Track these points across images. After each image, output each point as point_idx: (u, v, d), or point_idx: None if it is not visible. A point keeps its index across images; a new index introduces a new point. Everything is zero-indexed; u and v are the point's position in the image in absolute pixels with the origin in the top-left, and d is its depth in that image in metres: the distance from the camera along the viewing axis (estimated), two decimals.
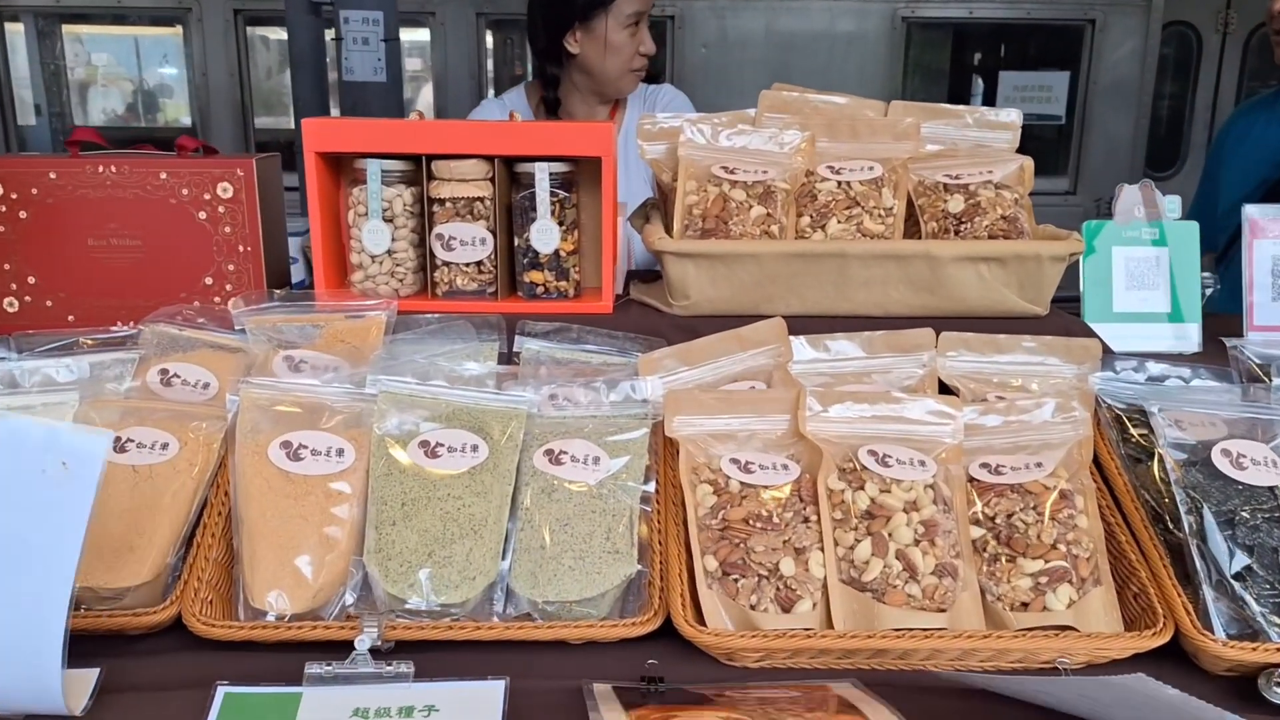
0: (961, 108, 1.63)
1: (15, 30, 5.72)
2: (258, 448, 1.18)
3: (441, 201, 1.40)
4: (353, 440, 1.19)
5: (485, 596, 1.13)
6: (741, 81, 5.09)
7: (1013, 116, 1.62)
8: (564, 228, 1.41)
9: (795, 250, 1.36)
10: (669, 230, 1.46)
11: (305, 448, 1.18)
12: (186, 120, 5.50)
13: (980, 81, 5.77)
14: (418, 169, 1.41)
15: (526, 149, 1.37)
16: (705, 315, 1.41)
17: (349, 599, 1.12)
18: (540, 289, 1.44)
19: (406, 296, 1.45)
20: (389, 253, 1.42)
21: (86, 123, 6.01)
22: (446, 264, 1.42)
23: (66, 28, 5.83)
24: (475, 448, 1.19)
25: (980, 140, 1.61)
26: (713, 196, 1.45)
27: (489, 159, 1.39)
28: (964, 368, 1.35)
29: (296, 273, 1.68)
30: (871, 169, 1.50)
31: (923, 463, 1.19)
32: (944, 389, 1.34)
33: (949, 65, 5.80)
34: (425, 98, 5.39)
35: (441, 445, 1.19)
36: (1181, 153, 5.75)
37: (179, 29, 5.31)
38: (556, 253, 1.42)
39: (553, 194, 1.39)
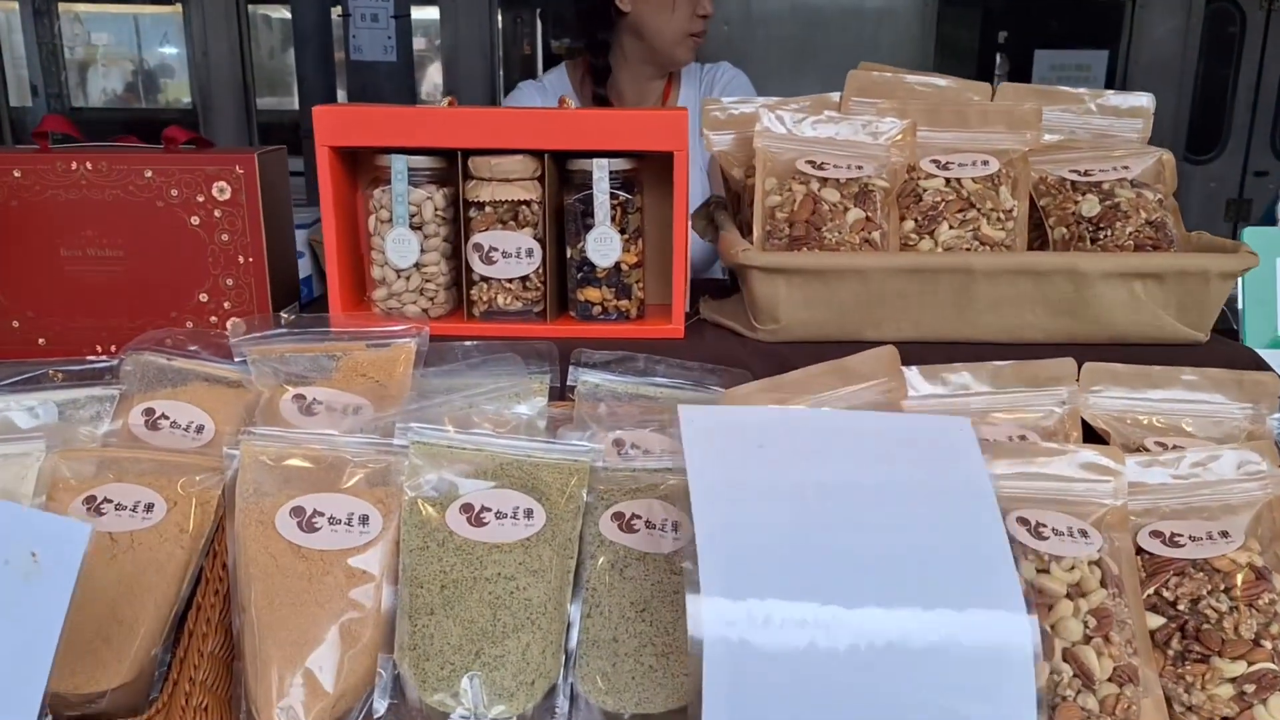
0: (1081, 90, 1.39)
1: (9, 8, 5.49)
2: (262, 515, 0.95)
3: (480, 205, 1.17)
4: (379, 504, 0.97)
5: (546, 704, 0.91)
6: (766, 61, 4.86)
7: (1143, 101, 1.38)
8: (626, 236, 1.18)
9: (910, 264, 1.13)
10: (745, 237, 1.23)
11: (321, 515, 0.95)
12: (188, 101, 5.27)
13: (1002, 59, 5.51)
14: (451, 167, 1.18)
15: (583, 142, 1.14)
16: (797, 341, 1.18)
17: (378, 708, 0.90)
18: (598, 309, 1.21)
19: (438, 318, 1.22)
20: (417, 266, 1.19)
21: (86, 104, 5.79)
22: (485, 280, 1.19)
23: (63, 5, 5.60)
24: (530, 513, 0.97)
25: (1104, 129, 1.38)
26: (800, 197, 1.22)
27: (537, 154, 1.16)
28: (1113, 406, 1.12)
29: (303, 267, 1.44)
30: (985, 163, 1.27)
31: (1084, 532, 0.97)
32: (1088, 433, 1.12)
33: (981, 43, 5.54)
34: (433, 80, 5.14)
35: (489, 510, 0.97)
36: (1223, 135, 5.49)
37: (179, 6, 5.06)
38: (617, 266, 1.19)
39: (613, 195, 1.16)
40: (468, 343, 1.14)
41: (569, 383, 1.14)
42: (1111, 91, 1.38)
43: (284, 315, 1.09)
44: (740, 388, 1.10)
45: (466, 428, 1.01)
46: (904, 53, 5.06)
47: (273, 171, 1.27)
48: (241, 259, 1.24)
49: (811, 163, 1.26)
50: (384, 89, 3.26)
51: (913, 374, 1.11)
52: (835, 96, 1.40)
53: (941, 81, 1.39)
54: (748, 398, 1.09)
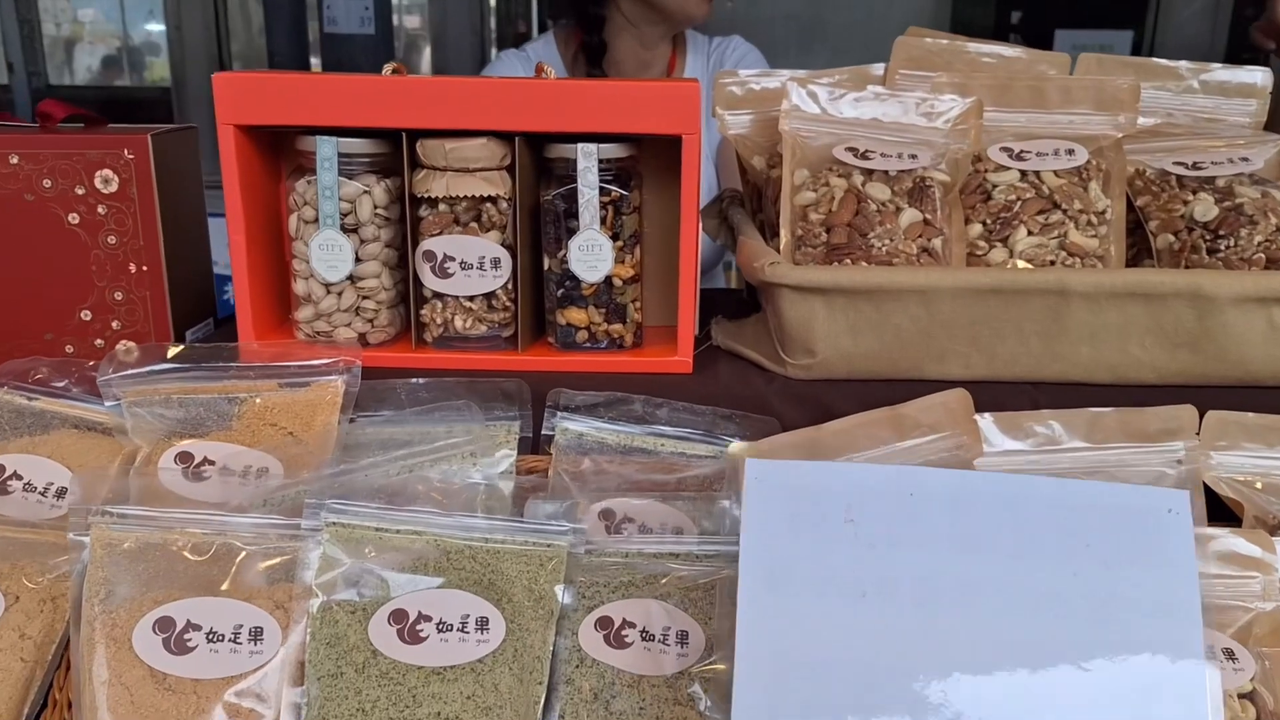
0: (1180, 63, 1.14)
1: None
2: (116, 629, 0.70)
3: (432, 202, 0.91)
4: (278, 610, 0.71)
5: None
6: (770, 36, 4.57)
7: (1258, 77, 1.13)
8: (620, 243, 0.92)
9: (990, 283, 0.87)
10: (770, 243, 0.98)
11: (197, 628, 0.70)
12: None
13: (1014, 39, 5.23)
14: (396, 153, 0.92)
15: (566, 121, 0.88)
16: (839, 379, 0.92)
17: None
18: (583, 335, 0.95)
19: (379, 345, 0.96)
20: (352, 280, 0.93)
21: (71, 81, 5.52)
22: (439, 297, 0.93)
23: None
24: (484, 623, 0.71)
25: (1209, 111, 1.12)
26: (840, 194, 0.96)
27: (506, 137, 0.90)
28: (1245, 467, 0.86)
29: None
30: (1070, 152, 1.01)
31: (1229, 653, 0.72)
32: (1212, 503, 0.86)
33: (995, 20, 5.27)
34: (424, 64, 4.85)
35: (428, 619, 0.71)
36: None
37: None
38: (608, 281, 0.93)
39: (603, 191, 0.90)
40: (414, 380, 0.88)
41: (545, 431, 0.89)
42: (1219, 65, 1.12)
43: (170, 350, 0.83)
44: (765, 442, 0.84)
45: (403, 502, 0.76)
46: (919, 19, 4.79)
47: (178, 156, 1.01)
48: (133, 266, 0.98)
49: (853, 150, 1.00)
50: (361, 66, 2.98)
51: (987, 424, 0.86)
52: (878, 68, 1.15)
53: (1009, 51, 1.13)
54: (774, 453, 0.84)
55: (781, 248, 0.96)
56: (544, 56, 1.69)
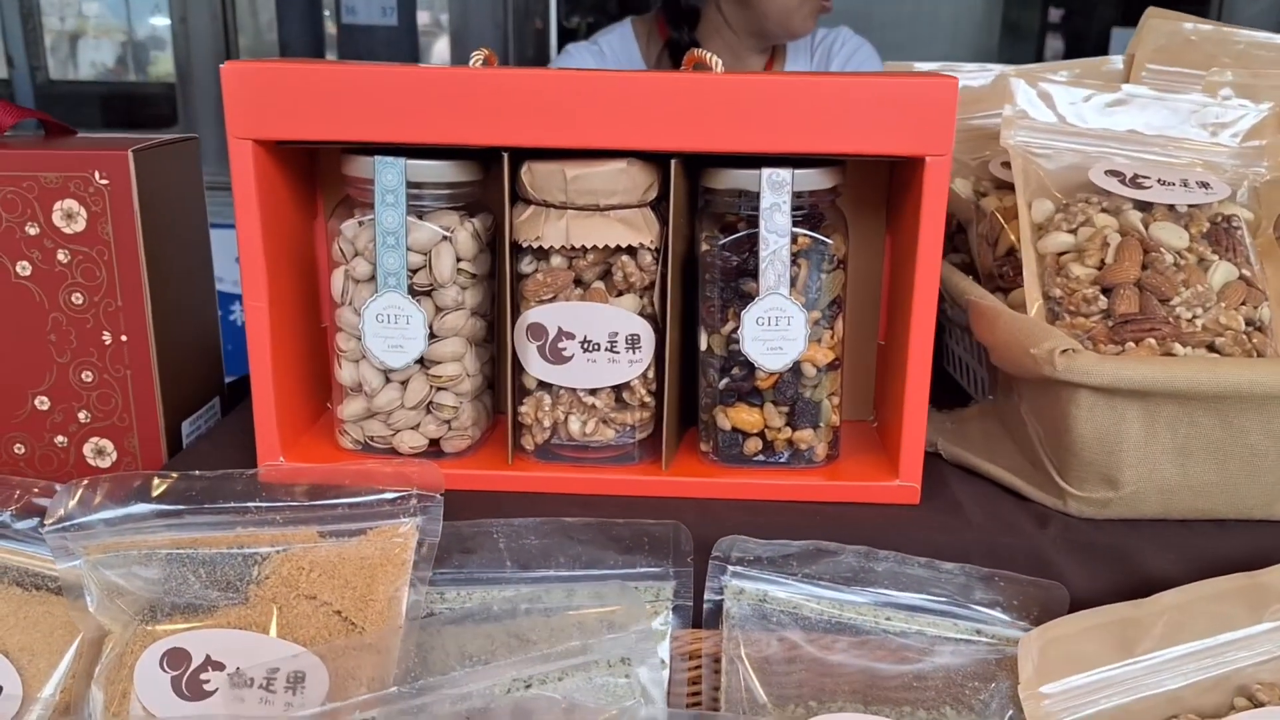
0: None
1: None
2: None
3: (543, 254, 0.62)
4: None
5: None
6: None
7: None
8: (816, 313, 0.63)
9: None
10: (994, 296, 0.69)
11: None
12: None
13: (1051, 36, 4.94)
14: (488, 180, 0.64)
15: (758, 135, 0.58)
16: (1151, 519, 0.63)
17: None
18: (756, 446, 0.66)
19: (457, 457, 0.67)
20: (423, 363, 0.64)
21: (76, 76, 5.26)
22: (548, 388, 0.64)
23: None
24: None
25: None
26: (1114, 237, 0.67)
27: (654, 159, 0.61)
28: None
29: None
30: None
31: None
32: None
33: (1042, 19, 4.98)
34: (440, 56, 4.55)
35: None
36: None
37: None
38: (796, 368, 0.64)
39: (794, 237, 0.61)
40: (516, 521, 0.59)
41: (709, 594, 0.60)
42: None
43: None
44: (1058, 625, 0.55)
45: None
46: (966, 27, 4.50)
47: (173, 178, 0.73)
48: (108, 335, 0.69)
49: (1117, 174, 0.71)
50: (384, 61, 2.69)
51: None
52: (1114, 61, 0.86)
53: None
54: (1072, 642, 0.55)
55: (1031, 313, 0.67)
56: (619, 51, 1.40)
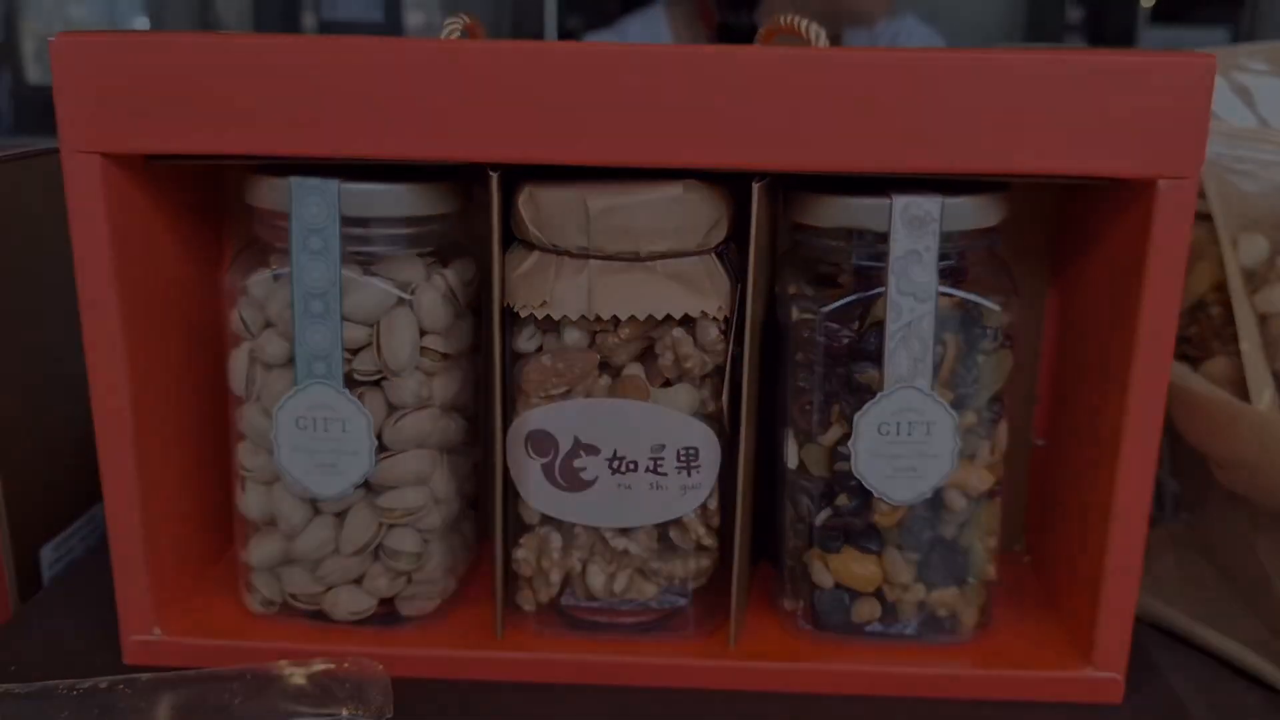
0: None
1: None
2: None
3: (551, 326, 0.41)
4: None
5: None
6: None
7: None
8: (975, 414, 0.42)
9: None
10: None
11: None
12: None
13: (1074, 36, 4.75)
14: (468, 212, 0.42)
15: (887, 150, 0.37)
16: None
17: None
18: (870, 611, 0.44)
19: (422, 623, 0.45)
20: (369, 488, 0.42)
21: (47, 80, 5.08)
22: (555, 524, 0.43)
23: None
24: None
25: None
26: None
27: (724, 181, 0.40)
28: None
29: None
30: None
31: None
32: None
33: (1067, 15, 4.79)
34: None
35: None
36: None
37: None
38: (937, 498, 0.42)
39: (944, 295, 0.40)
40: None
41: None
42: None
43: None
44: None
45: None
46: (989, 14, 4.32)
47: (29, 200, 0.51)
48: None
49: None
50: None
51: None
52: None
53: None
54: None
55: (1260, 401, 0.46)
56: (645, 40, 1.19)
